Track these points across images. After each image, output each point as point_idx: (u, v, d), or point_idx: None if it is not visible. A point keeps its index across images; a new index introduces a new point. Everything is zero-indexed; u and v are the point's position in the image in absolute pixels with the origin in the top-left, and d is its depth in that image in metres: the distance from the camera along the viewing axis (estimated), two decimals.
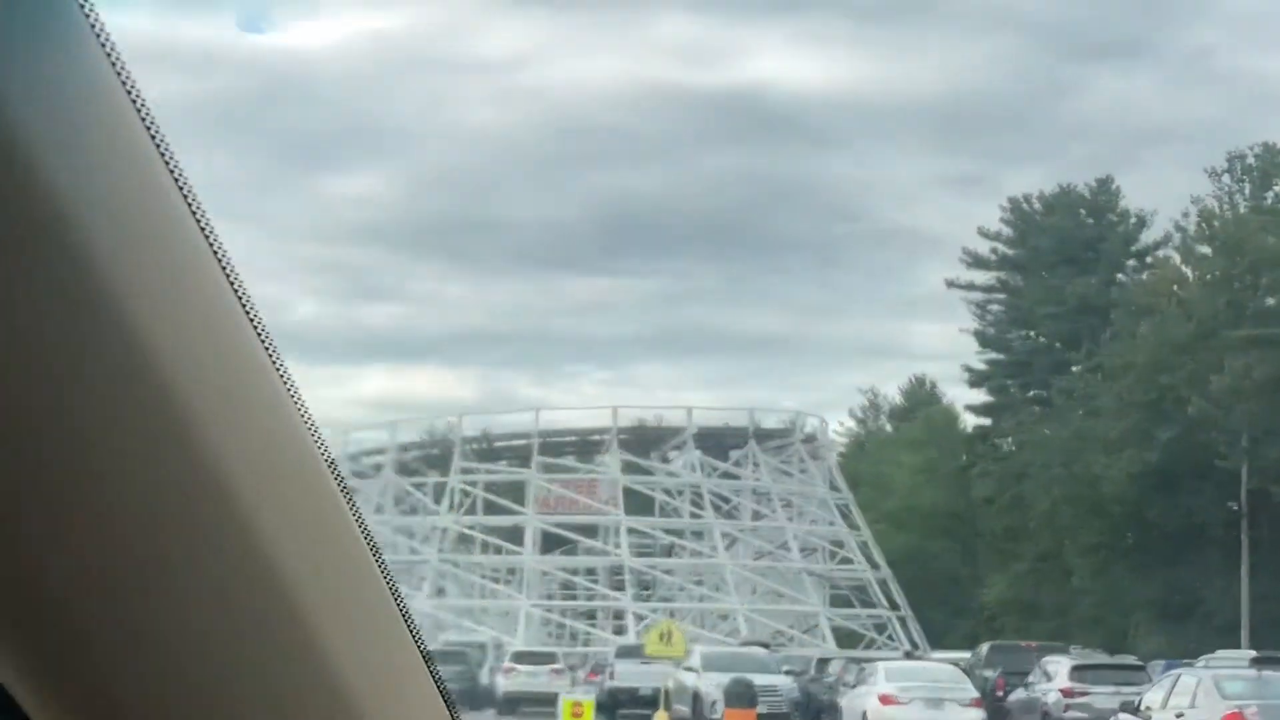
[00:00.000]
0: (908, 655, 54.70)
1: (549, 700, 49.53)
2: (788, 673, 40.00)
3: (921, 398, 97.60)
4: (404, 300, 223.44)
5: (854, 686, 34.93)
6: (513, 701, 48.85)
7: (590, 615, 76.43)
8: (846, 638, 74.79)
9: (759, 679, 35.52)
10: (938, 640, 67.30)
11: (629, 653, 47.04)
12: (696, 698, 36.26)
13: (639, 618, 72.88)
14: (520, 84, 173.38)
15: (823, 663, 53.20)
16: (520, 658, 50.70)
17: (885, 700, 31.53)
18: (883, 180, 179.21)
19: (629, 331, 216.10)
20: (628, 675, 45.55)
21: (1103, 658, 37.02)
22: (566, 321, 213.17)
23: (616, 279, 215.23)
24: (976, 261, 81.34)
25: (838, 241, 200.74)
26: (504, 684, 49.21)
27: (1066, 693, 32.59)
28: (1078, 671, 33.36)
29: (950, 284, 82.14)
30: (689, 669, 38.27)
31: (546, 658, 51.17)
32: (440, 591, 75.47)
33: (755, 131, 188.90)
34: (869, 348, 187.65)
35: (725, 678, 34.62)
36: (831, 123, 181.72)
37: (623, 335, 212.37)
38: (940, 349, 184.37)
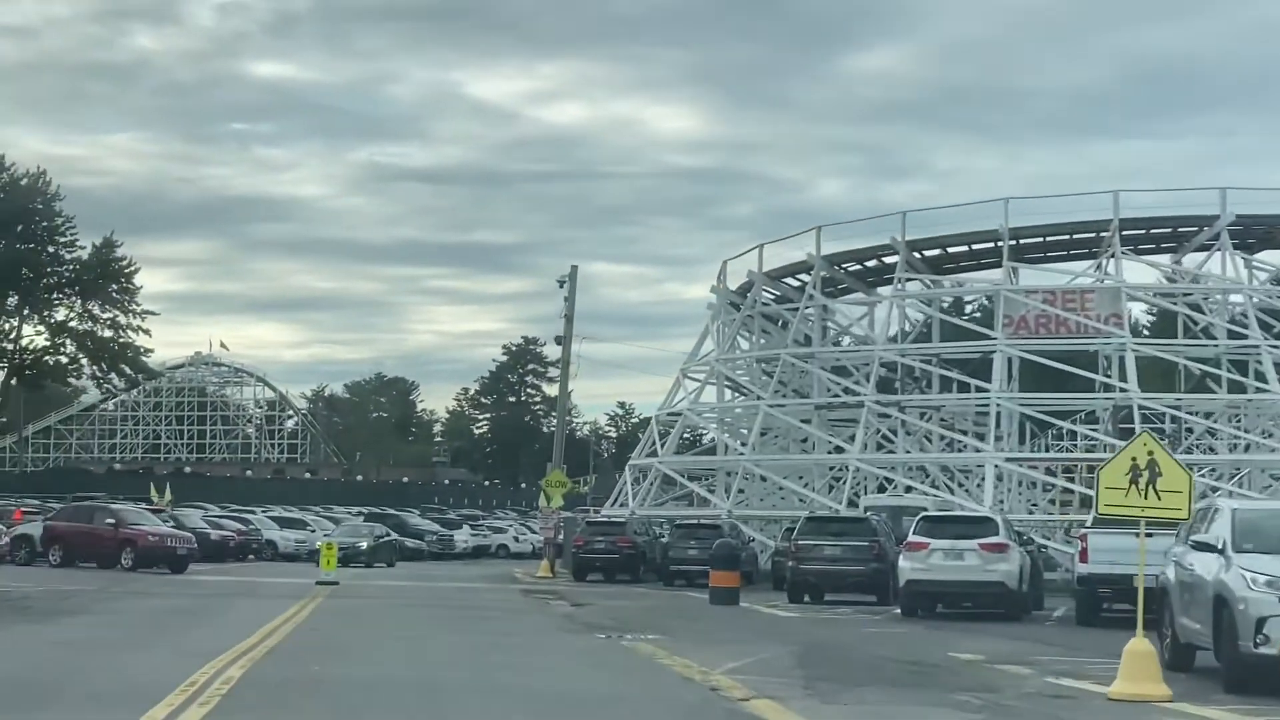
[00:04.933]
0: None
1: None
2: None
3: None
4: (928, 176, 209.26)
5: None
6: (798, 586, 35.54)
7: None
8: None
9: None
10: None
11: (1108, 520, 26.21)
12: (1222, 604, 16.65)
13: None
14: None
15: None
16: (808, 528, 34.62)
17: None
18: None
19: (1164, 197, 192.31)
20: (1106, 554, 27.54)
21: None
22: (1097, 187, 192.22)
23: (1149, 141, 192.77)
24: None
25: None
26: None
27: None
28: None
29: None
30: (1201, 545, 17.95)
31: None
32: (880, 444, 58.46)
33: None
34: None
35: None
36: None
37: (1158, 201, 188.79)
38: None
